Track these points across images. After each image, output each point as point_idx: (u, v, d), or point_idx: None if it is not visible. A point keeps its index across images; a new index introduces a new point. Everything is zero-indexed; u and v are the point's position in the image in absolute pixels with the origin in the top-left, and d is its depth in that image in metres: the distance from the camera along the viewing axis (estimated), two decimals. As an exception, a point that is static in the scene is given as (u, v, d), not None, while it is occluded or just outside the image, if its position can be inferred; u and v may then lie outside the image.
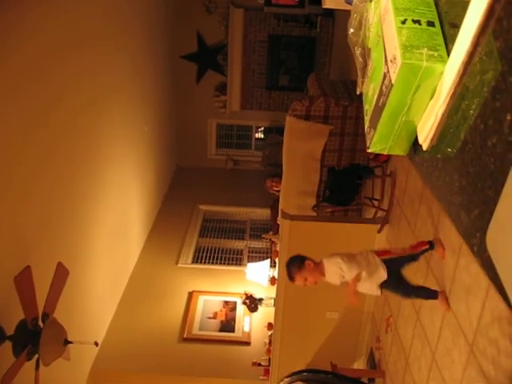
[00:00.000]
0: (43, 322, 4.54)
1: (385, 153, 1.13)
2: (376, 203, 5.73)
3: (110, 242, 7.32)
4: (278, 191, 6.77)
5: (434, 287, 4.24)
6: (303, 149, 5.50)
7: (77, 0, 5.77)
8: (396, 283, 3.87)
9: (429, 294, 3.98)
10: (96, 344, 5.43)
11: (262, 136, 11.79)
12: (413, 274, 4.70)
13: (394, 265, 3.83)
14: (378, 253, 3.86)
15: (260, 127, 11.78)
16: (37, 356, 4.47)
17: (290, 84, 10.84)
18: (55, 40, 5.24)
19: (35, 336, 4.42)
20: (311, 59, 10.57)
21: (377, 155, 5.53)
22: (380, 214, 5.67)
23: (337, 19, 9.89)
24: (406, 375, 4.90)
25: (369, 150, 1.15)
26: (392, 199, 5.44)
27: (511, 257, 0.69)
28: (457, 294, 3.76)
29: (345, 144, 5.62)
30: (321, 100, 5.44)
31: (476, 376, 3.34)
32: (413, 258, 4.02)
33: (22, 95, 4.68)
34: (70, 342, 4.91)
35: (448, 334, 3.90)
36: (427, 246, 3.91)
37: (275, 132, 10.59)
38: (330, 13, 10.01)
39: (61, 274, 4.82)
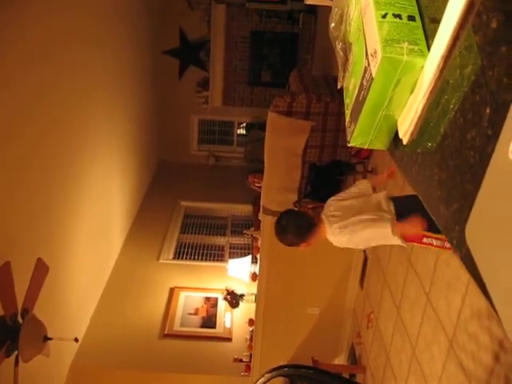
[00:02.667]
0: (22, 318, 4.50)
1: (365, 147, 1.13)
2: (357, 199, 5.74)
3: (92, 237, 7.28)
4: (260, 187, 6.77)
5: (414, 282, 4.27)
6: (285, 145, 5.50)
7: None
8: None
9: None
10: (76, 340, 5.40)
11: (244, 132, 11.79)
12: (393, 268, 4.74)
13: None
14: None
15: (242, 123, 11.77)
16: (16, 352, 4.43)
17: (272, 80, 10.83)
18: (37, 37, 5.19)
19: (14, 332, 4.38)
20: (293, 55, 10.57)
21: (358, 151, 5.56)
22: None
23: (319, 16, 9.90)
24: (387, 370, 4.93)
25: (349, 144, 1.15)
26: (373, 195, 5.46)
27: (490, 250, 0.69)
28: (437, 290, 3.79)
29: (326, 140, 5.63)
30: (302, 96, 5.44)
31: (455, 371, 3.37)
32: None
33: (4, 92, 4.64)
34: (50, 339, 4.88)
35: (428, 330, 3.93)
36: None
37: (257, 128, 10.59)
38: (313, 9, 10.02)
39: (41, 270, 4.78)
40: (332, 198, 3.16)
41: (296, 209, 3.28)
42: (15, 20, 4.76)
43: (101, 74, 7.30)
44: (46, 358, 5.02)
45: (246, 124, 11.67)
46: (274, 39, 10.53)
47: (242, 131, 11.87)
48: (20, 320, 4.50)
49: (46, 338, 4.82)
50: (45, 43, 5.37)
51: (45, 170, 5.57)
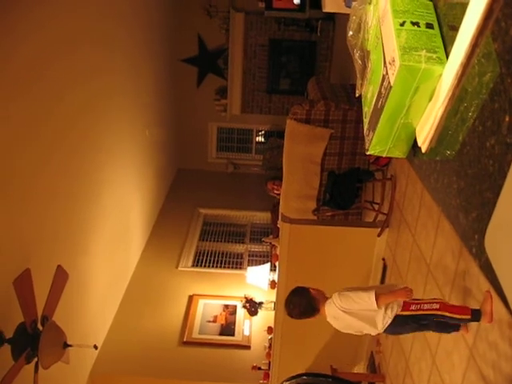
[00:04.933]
0: (42, 325, 4.53)
1: (384, 155, 1.13)
2: (376, 207, 5.72)
3: (111, 244, 7.32)
4: (279, 194, 6.76)
5: (434, 290, 4.23)
6: (303, 152, 5.50)
7: (78, 3, 5.78)
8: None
9: (450, 327, 3.41)
10: (95, 347, 5.42)
11: (263, 140, 11.79)
12: (412, 276, 4.70)
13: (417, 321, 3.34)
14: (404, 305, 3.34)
15: (260, 131, 11.78)
16: (36, 359, 4.46)
17: (290, 88, 10.84)
18: (55, 43, 5.24)
19: (34, 339, 4.41)
20: (312, 63, 10.58)
21: (377, 159, 5.53)
22: (380, 217, 5.66)
23: (337, 23, 9.89)
24: (406, 378, 4.89)
25: (368, 153, 1.15)
26: (392, 203, 5.44)
27: (510, 259, 0.69)
28: (457, 297, 3.75)
29: (345, 148, 5.62)
30: (321, 104, 5.44)
31: (476, 380, 3.33)
32: (445, 324, 3.36)
33: (22, 97, 4.68)
34: (70, 345, 4.90)
35: (448, 338, 3.89)
36: (469, 317, 3.18)
37: (276, 136, 10.58)
38: (331, 17, 10.02)
39: (60, 277, 4.82)
40: (339, 300, 3.40)
41: (304, 288, 3.57)
42: (33, 25, 4.80)
43: (119, 80, 7.35)
44: (66, 365, 5.04)
45: (265, 132, 11.67)
46: (293, 47, 10.54)
47: (260, 139, 11.88)
48: (40, 327, 4.53)
49: (66, 345, 4.85)
50: (61, 46, 5.40)
51: (63, 177, 5.61)
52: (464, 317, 3.18)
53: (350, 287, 3.50)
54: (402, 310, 3.27)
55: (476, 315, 3.13)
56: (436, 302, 3.26)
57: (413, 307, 3.27)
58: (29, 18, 4.65)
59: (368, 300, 3.25)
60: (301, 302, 3.51)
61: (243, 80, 10.85)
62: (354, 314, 3.36)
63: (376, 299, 3.23)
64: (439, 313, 3.20)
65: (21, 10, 4.51)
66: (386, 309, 3.31)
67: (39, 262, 4.95)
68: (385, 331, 3.39)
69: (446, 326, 3.37)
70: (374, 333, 3.46)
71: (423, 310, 3.23)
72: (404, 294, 3.26)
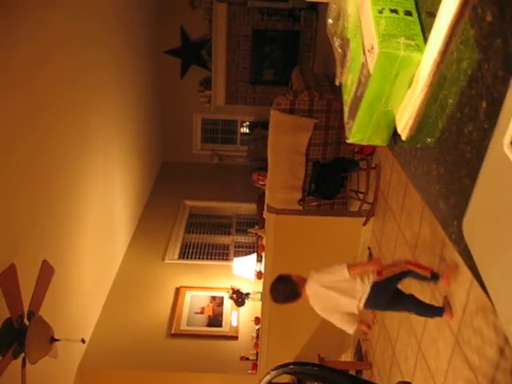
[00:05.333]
0: (29, 320, 4.52)
1: (364, 143, 1.13)
2: (361, 196, 5.75)
3: (96, 238, 7.29)
4: (264, 185, 6.76)
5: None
6: (288, 143, 5.50)
7: (58, 2, 5.74)
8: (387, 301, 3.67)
9: (432, 311, 3.71)
10: (83, 341, 5.41)
11: (248, 130, 11.78)
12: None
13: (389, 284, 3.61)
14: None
15: (245, 122, 11.76)
16: (23, 354, 4.45)
17: (274, 78, 10.83)
18: (38, 42, 5.20)
19: (21, 334, 4.40)
20: (295, 53, 10.57)
21: (362, 148, 5.55)
22: (365, 206, 5.68)
23: (320, 13, 9.88)
24: (393, 366, 4.93)
25: (348, 141, 1.15)
26: (377, 192, 5.46)
27: (487, 244, 0.69)
28: (442, 285, 3.78)
29: (329, 137, 5.62)
30: (305, 94, 5.44)
31: (461, 365, 3.36)
32: (424, 306, 3.72)
33: (9, 96, 4.65)
34: (57, 340, 4.89)
35: (433, 325, 3.92)
36: (429, 275, 3.57)
37: (260, 126, 10.57)
38: (314, 6, 10.01)
39: (46, 272, 4.80)
40: (316, 275, 3.68)
41: (286, 275, 3.82)
42: (17, 25, 4.76)
43: (102, 76, 7.31)
44: (54, 360, 5.04)
45: (249, 122, 11.66)
46: (276, 37, 10.52)
47: (245, 130, 11.87)
48: (26, 322, 4.51)
49: (53, 340, 4.84)
50: (46, 47, 5.37)
51: (48, 172, 5.58)
52: (425, 273, 3.57)
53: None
54: (377, 277, 3.53)
55: (435, 276, 3.56)
56: (404, 262, 3.65)
57: (385, 271, 3.55)
58: (13, 22, 4.61)
59: (340, 269, 3.53)
60: (284, 289, 3.72)
61: (227, 71, 10.82)
62: (331, 287, 3.57)
63: (348, 270, 3.49)
64: (407, 268, 3.55)
65: (9, 13, 4.46)
66: (362, 279, 3.53)
67: (24, 257, 4.92)
68: (366, 305, 3.57)
69: (425, 308, 3.69)
70: (355, 307, 3.60)
71: (394, 270, 3.56)
72: (373, 263, 3.62)
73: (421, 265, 3.68)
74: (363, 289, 3.51)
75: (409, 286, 4.05)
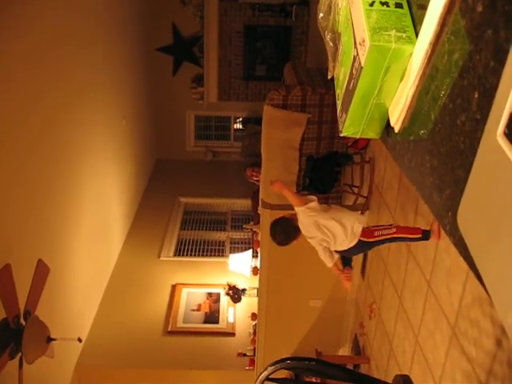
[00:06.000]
0: (25, 319, 4.51)
1: (357, 136, 1.13)
2: (356, 190, 5.75)
3: (91, 237, 7.28)
4: (258, 180, 6.76)
5: (415, 270, 4.27)
6: (281, 138, 5.49)
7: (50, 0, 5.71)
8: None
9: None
10: (79, 340, 5.41)
11: (241, 126, 11.77)
12: (394, 257, 4.73)
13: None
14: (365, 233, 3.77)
15: (238, 118, 11.76)
16: (20, 354, 4.44)
17: (267, 74, 10.82)
18: (32, 39, 5.18)
19: (17, 334, 4.39)
20: (287, 48, 10.56)
21: (355, 142, 5.55)
22: (360, 200, 5.69)
23: (312, 8, 9.87)
24: (391, 359, 4.94)
25: (341, 134, 1.15)
26: (371, 185, 5.47)
27: (481, 235, 0.69)
28: (438, 277, 3.79)
29: (323, 132, 5.62)
30: (297, 89, 5.43)
31: (458, 357, 3.37)
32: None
33: (0, 94, 4.63)
34: (53, 339, 4.89)
35: (430, 317, 3.93)
36: (420, 235, 3.73)
37: (253, 122, 10.56)
38: (305, 1, 10.00)
39: (41, 271, 4.79)
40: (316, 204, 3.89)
41: (281, 216, 4.04)
42: (11, 22, 4.75)
43: (95, 73, 7.29)
44: (51, 360, 5.03)
45: (243, 118, 11.65)
46: (268, 33, 10.50)
47: (238, 126, 11.86)
48: (23, 322, 4.50)
49: (50, 339, 4.83)
50: (39, 44, 5.36)
51: (42, 170, 5.57)
52: (416, 236, 3.73)
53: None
54: (368, 237, 3.74)
55: (426, 234, 3.68)
56: (393, 227, 3.79)
57: (376, 233, 3.75)
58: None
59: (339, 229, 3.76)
60: (284, 228, 3.93)
61: (219, 67, 10.81)
62: (323, 226, 3.81)
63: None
64: (396, 235, 3.73)
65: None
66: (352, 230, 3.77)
67: (20, 256, 4.91)
68: (348, 250, 3.82)
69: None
70: (332, 249, 3.86)
71: (384, 235, 3.74)
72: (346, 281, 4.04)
73: (410, 228, 3.88)
74: (348, 242, 3.75)
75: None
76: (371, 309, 5.59)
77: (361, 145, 5.64)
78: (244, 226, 9.11)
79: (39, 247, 5.47)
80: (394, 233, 3.72)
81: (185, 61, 10.86)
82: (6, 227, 4.89)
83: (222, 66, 10.82)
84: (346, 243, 3.75)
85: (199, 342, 7.39)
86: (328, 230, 3.77)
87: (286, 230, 3.92)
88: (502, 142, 0.60)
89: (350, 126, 1.11)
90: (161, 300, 8.00)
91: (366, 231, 3.73)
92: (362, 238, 3.72)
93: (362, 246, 3.80)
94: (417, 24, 0.94)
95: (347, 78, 1.08)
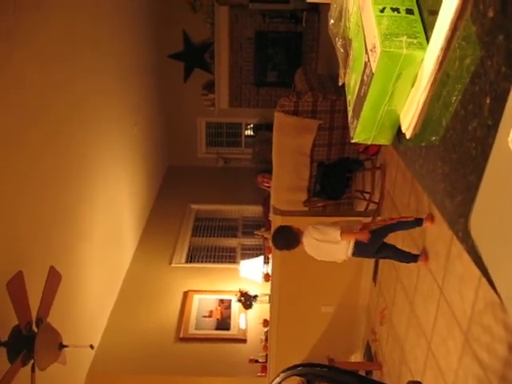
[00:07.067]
0: (37, 326, 4.52)
1: (369, 142, 1.12)
2: (367, 196, 5.74)
3: (103, 244, 7.31)
4: (269, 187, 6.76)
5: (427, 276, 4.25)
6: (292, 144, 5.49)
7: (65, 5, 5.74)
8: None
9: (408, 257, 4.32)
10: (92, 347, 5.42)
11: (252, 133, 11.78)
12: (406, 264, 4.71)
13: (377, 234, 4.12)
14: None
15: (249, 124, 11.77)
16: (32, 361, 4.45)
17: (277, 80, 10.83)
18: (45, 42, 5.22)
19: (30, 341, 4.40)
20: (298, 54, 10.57)
21: (366, 148, 5.54)
22: (371, 206, 5.67)
23: (322, 14, 9.88)
24: (403, 366, 4.92)
25: (353, 141, 1.15)
26: (383, 191, 5.45)
27: (494, 241, 0.69)
28: (450, 283, 3.77)
29: (334, 138, 5.62)
30: (308, 95, 5.43)
31: (471, 363, 3.35)
32: (402, 253, 4.34)
33: (12, 99, 4.66)
34: (66, 346, 4.89)
35: (442, 324, 3.91)
36: (413, 219, 4.11)
37: (264, 129, 10.58)
38: (316, 7, 10.01)
39: (53, 278, 4.80)
40: (312, 230, 4.12)
41: (286, 225, 4.29)
42: (25, 24, 4.78)
43: (106, 80, 7.32)
44: (63, 366, 5.04)
45: (254, 125, 11.66)
46: (279, 39, 10.53)
47: (249, 132, 11.87)
48: (35, 329, 4.51)
49: (62, 346, 4.84)
50: (53, 50, 5.40)
51: (54, 178, 5.59)
52: (409, 219, 4.14)
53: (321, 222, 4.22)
54: (363, 236, 4.01)
55: (419, 220, 4.04)
56: (390, 218, 4.34)
57: (372, 225, 4.23)
58: (19, 25, 4.62)
59: (334, 233, 3.99)
60: (286, 236, 4.18)
61: (230, 74, 10.83)
62: (324, 241, 4.07)
63: (341, 235, 3.99)
64: (392, 222, 4.20)
65: (14, 17, 4.48)
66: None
67: (32, 263, 4.93)
68: (353, 253, 4.10)
69: (403, 254, 4.33)
70: (344, 254, 4.14)
71: (380, 223, 4.27)
72: (363, 235, 3.99)
73: (404, 216, 4.38)
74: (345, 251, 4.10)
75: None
76: (383, 314, 5.57)
77: (372, 151, 5.63)
78: (255, 232, 9.10)
79: (51, 254, 5.49)
80: (391, 219, 4.26)
81: (196, 67, 10.89)
82: (18, 234, 4.92)
83: (233, 73, 10.85)
84: (343, 253, 4.12)
85: (211, 349, 7.38)
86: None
87: (289, 239, 4.17)
88: (515, 147, 0.60)
89: (362, 132, 1.10)
90: (172, 306, 8.00)
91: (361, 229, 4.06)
92: (360, 238, 4.00)
93: (363, 245, 4.04)
94: (428, 30, 0.94)
95: (358, 84, 1.08)
